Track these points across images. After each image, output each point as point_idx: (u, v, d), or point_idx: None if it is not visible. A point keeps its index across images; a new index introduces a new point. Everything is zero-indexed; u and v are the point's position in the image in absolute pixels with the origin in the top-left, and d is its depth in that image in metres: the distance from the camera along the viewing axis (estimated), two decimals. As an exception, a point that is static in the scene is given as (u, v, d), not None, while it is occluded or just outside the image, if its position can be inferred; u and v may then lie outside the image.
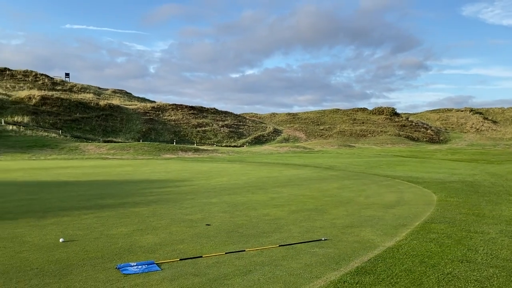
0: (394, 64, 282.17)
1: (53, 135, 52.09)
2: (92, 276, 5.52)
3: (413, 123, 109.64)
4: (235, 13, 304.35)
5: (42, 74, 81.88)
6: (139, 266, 5.88)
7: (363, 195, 14.04)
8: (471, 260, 6.46)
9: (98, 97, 78.06)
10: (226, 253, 6.66)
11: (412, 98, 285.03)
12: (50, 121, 57.76)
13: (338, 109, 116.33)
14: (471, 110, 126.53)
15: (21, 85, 73.94)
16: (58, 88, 77.50)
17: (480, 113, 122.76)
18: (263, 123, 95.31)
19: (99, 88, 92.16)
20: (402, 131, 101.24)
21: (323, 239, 7.64)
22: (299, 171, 24.35)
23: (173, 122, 74.64)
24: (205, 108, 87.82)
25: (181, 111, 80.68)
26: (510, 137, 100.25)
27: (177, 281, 5.37)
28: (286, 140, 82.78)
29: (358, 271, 5.81)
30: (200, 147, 55.45)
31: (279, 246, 7.15)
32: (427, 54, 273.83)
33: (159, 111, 77.31)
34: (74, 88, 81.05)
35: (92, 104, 68.35)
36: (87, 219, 9.32)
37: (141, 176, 20.83)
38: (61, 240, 7.31)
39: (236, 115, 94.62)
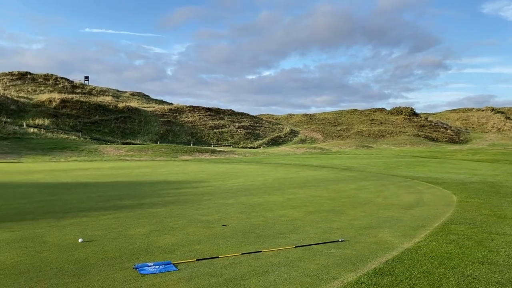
0: (412, 64, 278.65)
1: (73, 137, 53.01)
2: (110, 276, 5.58)
3: (433, 123, 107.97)
4: (252, 14, 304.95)
5: (62, 78, 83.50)
6: (156, 266, 5.92)
7: (381, 196, 13.88)
8: (492, 262, 6.32)
9: (116, 99, 79.19)
10: (242, 253, 6.65)
11: (431, 98, 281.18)
12: (70, 124, 58.78)
13: (356, 110, 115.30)
14: (493, 109, 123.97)
15: (42, 88, 75.51)
16: (78, 91, 78.89)
17: (502, 113, 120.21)
18: (279, 124, 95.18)
19: (118, 91, 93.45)
20: (421, 131, 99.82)
21: (340, 240, 7.58)
22: (316, 172, 24.23)
23: (190, 124, 75.16)
24: (221, 109, 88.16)
25: (198, 113, 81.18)
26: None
27: (194, 281, 5.39)
28: (303, 141, 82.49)
29: (376, 273, 5.74)
30: (217, 149, 55.68)
31: (296, 247, 7.11)
32: (446, 53, 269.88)
33: (176, 113, 77.93)
34: (93, 91, 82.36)
35: (111, 106, 69.31)
36: (106, 220, 9.44)
37: (158, 177, 21.01)
38: (80, 240, 7.41)
39: (253, 116, 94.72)
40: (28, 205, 11.56)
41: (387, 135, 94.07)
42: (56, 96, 65.56)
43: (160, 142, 57.80)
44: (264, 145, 74.39)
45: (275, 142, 78.44)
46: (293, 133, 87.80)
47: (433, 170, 26.15)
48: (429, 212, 10.74)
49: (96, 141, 53.54)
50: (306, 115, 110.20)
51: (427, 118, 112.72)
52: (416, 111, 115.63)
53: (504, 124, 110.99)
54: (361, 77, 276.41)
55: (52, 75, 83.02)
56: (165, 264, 6.02)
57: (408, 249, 6.97)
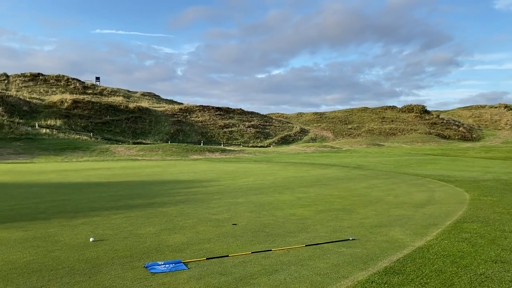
0: (423, 61, 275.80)
1: (85, 137, 53.49)
2: (120, 274, 5.61)
3: (444, 121, 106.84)
4: (261, 13, 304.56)
5: (73, 79, 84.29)
6: (167, 265, 5.94)
7: (392, 195, 13.78)
8: (505, 260, 6.22)
9: (127, 100, 79.74)
10: (252, 252, 6.64)
11: (443, 95, 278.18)
12: (82, 124, 59.33)
13: (367, 108, 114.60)
14: (506, 106, 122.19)
15: (54, 89, 76.36)
16: (89, 91, 79.60)
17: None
18: (289, 123, 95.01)
19: (128, 91, 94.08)
20: (433, 129, 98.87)
21: (350, 238, 7.53)
22: (326, 171, 24.14)
23: (200, 123, 75.38)
24: (231, 109, 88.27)
25: (208, 112, 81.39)
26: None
27: (204, 280, 5.40)
28: (313, 139, 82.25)
29: (387, 271, 5.69)
30: (227, 148, 55.77)
31: (306, 245, 7.08)
32: (458, 50, 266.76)
33: (186, 113, 78.22)
34: (104, 91, 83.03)
35: (121, 107, 69.80)
36: (117, 219, 9.50)
37: (169, 176, 21.10)
38: (91, 239, 7.47)
39: (263, 115, 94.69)
40: (40, 205, 11.68)
41: (398, 133, 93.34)
42: (68, 97, 66.20)
43: (170, 142, 58.06)
44: (274, 144, 74.32)
45: (285, 141, 78.33)
46: (303, 131, 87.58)
47: (445, 168, 25.89)
48: (441, 210, 10.63)
49: (107, 141, 53.97)
50: (316, 113, 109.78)
51: (438, 116, 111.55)
52: (427, 109, 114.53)
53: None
54: (371, 75, 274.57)
55: (63, 76, 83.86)
56: (175, 263, 6.03)
57: (420, 248, 6.90)
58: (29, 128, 51.15)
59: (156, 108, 76.20)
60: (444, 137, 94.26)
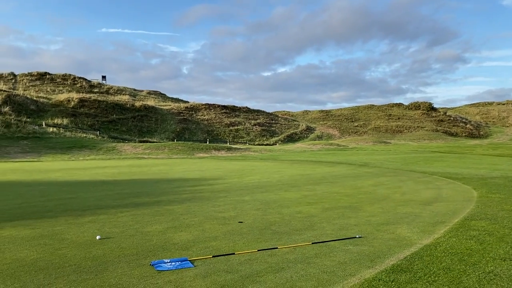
0: (430, 58, 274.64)
1: (91, 136, 53.76)
2: (127, 272, 5.62)
3: (451, 118, 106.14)
4: (266, 11, 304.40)
5: (80, 77, 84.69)
6: (173, 263, 5.94)
7: (399, 192, 13.71)
8: (514, 258, 6.15)
9: (133, 98, 79.97)
10: (258, 250, 6.63)
11: (450, 92, 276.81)
12: (88, 123, 59.61)
13: (373, 105, 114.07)
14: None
15: (61, 88, 76.74)
16: (95, 90, 79.93)
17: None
18: (295, 121, 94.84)
19: (135, 90, 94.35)
20: (440, 126, 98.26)
21: (357, 236, 7.49)
22: (333, 169, 24.07)
23: (206, 122, 75.45)
24: (237, 107, 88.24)
25: (213, 111, 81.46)
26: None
27: (210, 277, 5.39)
28: (319, 137, 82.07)
29: (394, 269, 5.65)
30: (233, 146, 55.79)
31: (312, 243, 7.05)
32: (465, 47, 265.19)
33: (192, 111, 78.33)
34: (111, 90, 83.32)
35: (128, 105, 70.05)
36: (123, 217, 9.52)
37: (175, 175, 21.14)
38: (97, 237, 7.49)
39: (268, 113, 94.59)
40: (47, 203, 11.74)
41: (405, 131, 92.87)
42: (74, 95, 66.54)
43: (176, 140, 58.17)
44: (280, 142, 74.25)
45: (291, 139, 78.21)
46: (309, 129, 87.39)
47: (452, 165, 25.72)
48: (448, 208, 10.55)
49: (113, 140, 54.20)
50: (322, 111, 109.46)
51: (445, 113, 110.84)
52: (434, 106, 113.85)
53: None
54: (378, 72, 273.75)
55: (70, 75, 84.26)
56: (181, 261, 6.03)
57: (427, 246, 6.85)
58: (36, 127, 51.49)
59: (162, 107, 76.38)
60: (451, 134, 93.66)
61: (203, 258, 6.21)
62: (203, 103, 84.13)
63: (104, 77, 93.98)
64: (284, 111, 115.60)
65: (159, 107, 75.66)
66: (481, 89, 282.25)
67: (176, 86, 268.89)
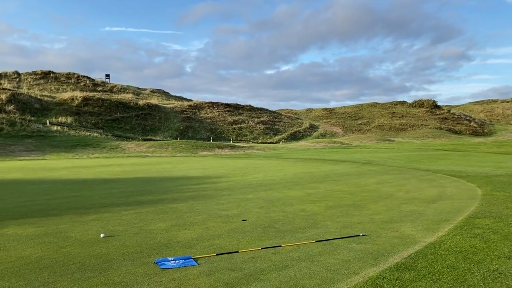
0: (434, 55, 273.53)
1: (95, 134, 53.90)
2: (131, 270, 5.63)
3: (455, 116, 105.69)
4: (270, 9, 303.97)
5: (83, 76, 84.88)
6: (177, 261, 5.94)
7: (403, 190, 13.67)
8: (519, 256, 6.13)
9: (137, 97, 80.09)
10: (262, 248, 6.63)
11: (454, 90, 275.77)
12: (92, 121, 59.77)
13: (377, 103, 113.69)
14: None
15: (64, 87, 76.95)
16: (99, 89, 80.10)
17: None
18: (299, 119, 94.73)
19: (138, 88, 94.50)
20: (444, 124, 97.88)
21: (361, 234, 7.48)
22: (336, 167, 24.04)
23: (209, 120, 75.50)
24: (240, 105, 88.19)
25: (217, 109, 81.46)
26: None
27: (214, 275, 5.39)
28: (323, 135, 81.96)
29: (398, 267, 5.63)
30: (236, 144, 55.80)
31: (316, 241, 7.05)
32: (469, 44, 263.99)
33: (195, 109, 78.37)
34: (114, 88, 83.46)
35: (131, 104, 70.17)
36: (127, 215, 9.54)
37: (179, 173, 21.17)
38: (102, 235, 7.51)
39: (272, 111, 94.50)
40: (51, 201, 11.79)
41: (409, 128, 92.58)
42: (78, 94, 66.70)
43: (180, 138, 58.25)
44: (283, 140, 74.21)
45: (295, 137, 78.14)
46: (313, 127, 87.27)
47: (456, 163, 25.63)
48: (452, 206, 10.51)
49: (117, 138, 54.33)
50: (325, 109, 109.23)
51: (449, 111, 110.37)
52: (438, 104, 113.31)
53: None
54: (381, 70, 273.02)
55: (74, 73, 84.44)
56: (185, 259, 6.04)
57: (431, 244, 6.83)
58: (41, 126, 51.67)
59: (165, 105, 76.48)
60: (455, 132, 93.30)
61: (206, 256, 6.22)
62: (207, 101, 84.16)
63: (107, 76, 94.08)
64: (287, 109, 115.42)
65: (163, 105, 75.77)
66: (485, 87, 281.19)
67: (180, 85, 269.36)
